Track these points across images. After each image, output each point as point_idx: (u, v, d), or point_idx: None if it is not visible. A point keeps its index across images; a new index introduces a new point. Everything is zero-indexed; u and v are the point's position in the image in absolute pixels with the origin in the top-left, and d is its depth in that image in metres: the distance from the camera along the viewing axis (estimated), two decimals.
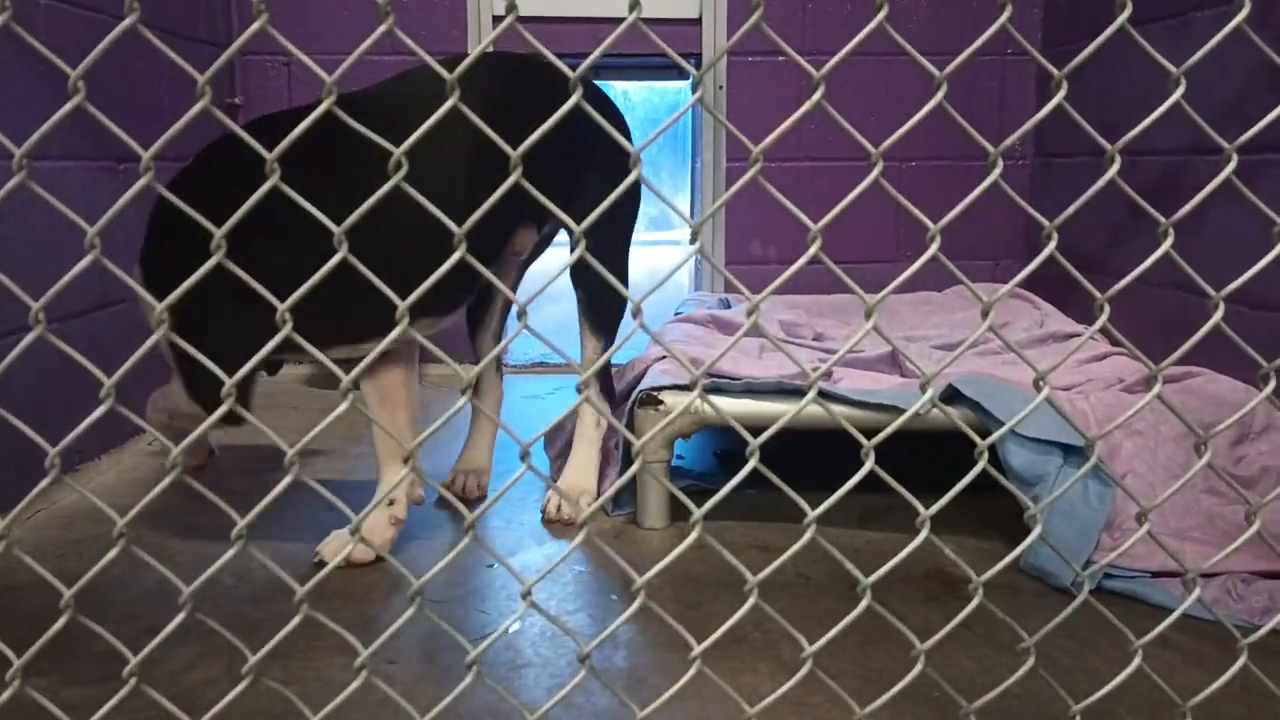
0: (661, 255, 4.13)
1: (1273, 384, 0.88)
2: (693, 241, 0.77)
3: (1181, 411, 0.92)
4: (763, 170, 0.78)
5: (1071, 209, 0.82)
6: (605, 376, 2.05)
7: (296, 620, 0.82)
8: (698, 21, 3.07)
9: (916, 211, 0.86)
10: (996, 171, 0.82)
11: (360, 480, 2.14)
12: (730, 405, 1.87)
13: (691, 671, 0.87)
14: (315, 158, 1.42)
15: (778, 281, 0.83)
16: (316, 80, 2.93)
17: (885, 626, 1.47)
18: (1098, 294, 0.84)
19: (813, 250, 0.79)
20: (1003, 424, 1.67)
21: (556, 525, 1.92)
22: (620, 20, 1.07)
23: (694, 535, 0.83)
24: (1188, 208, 0.86)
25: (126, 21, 0.69)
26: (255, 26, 0.70)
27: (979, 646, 1.44)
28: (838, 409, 1.81)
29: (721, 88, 3.13)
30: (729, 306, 2.77)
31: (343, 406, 0.77)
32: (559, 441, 2.24)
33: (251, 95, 3.03)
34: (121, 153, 2.26)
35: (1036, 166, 3.14)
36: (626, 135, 2.00)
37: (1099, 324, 0.86)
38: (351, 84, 1.69)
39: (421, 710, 0.89)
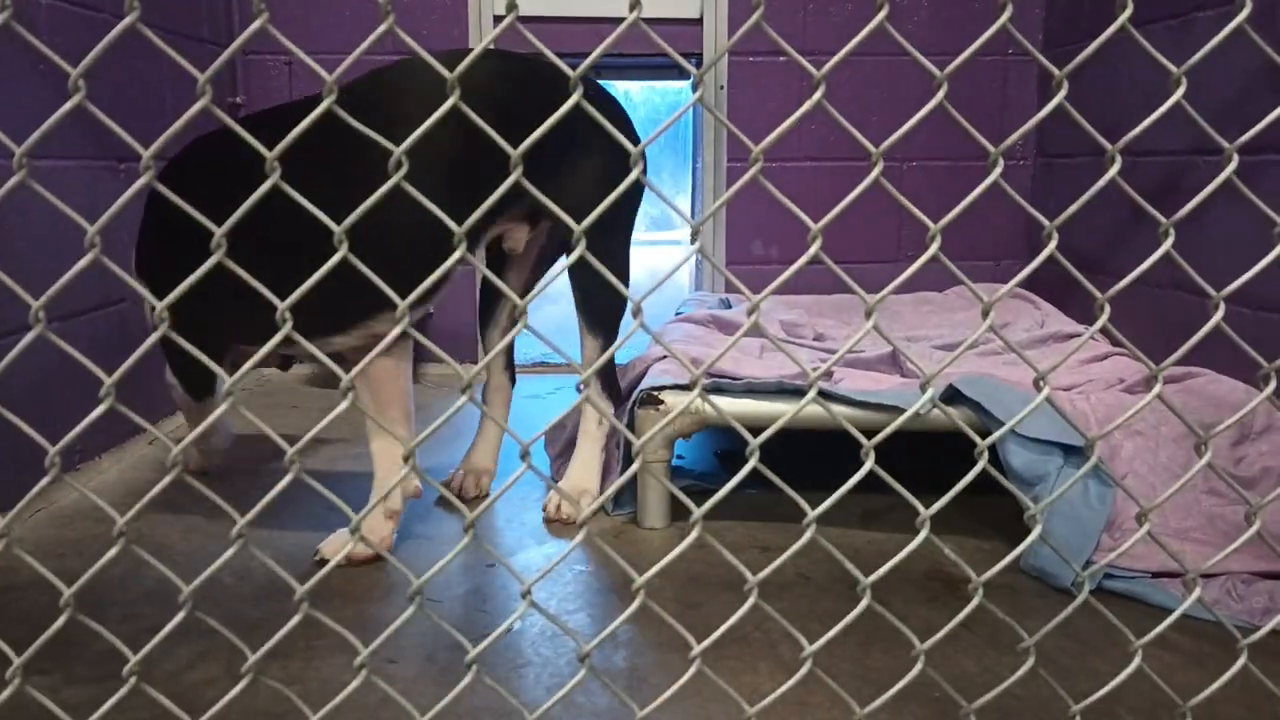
0: (662, 255, 4.13)
1: (1273, 384, 0.88)
2: (693, 241, 0.77)
3: (1182, 412, 0.92)
4: (763, 170, 0.78)
5: (1072, 209, 0.82)
6: (609, 375, 2.03)
7: (296, 619, 0.82)
8: (699, 21, 3.07)
9: (917, 211, 0.86)
10: (997, 171, 0.82)
11: (361, 479, 2.14)
12: (731, 405, 1.87)
13: (691, 671, 0.87)
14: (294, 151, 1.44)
15: (778, 281, 0.83)
16: (318, 79, 2.93)
17: (885, 626, 1.47)
18: (1098, 294, 0.84)
19: (813, 250, 0.79)
20: (1003, 424, 1.67)
21: (557, 525, 1.93)
22: (621, 20, 1.07)
23: (694, 535, 0.83)
24: (1188, 208, 0.86)
25: (127, 20, 0.69)
26: (256, 25, 0.70)
27: (979, 647, 1.44)
28: (838, 409, 1.82)
29: (722, 88, 3.13)
30: (729, 306, 2.77)
31: (343, 405, 0.77)
32: (560, 441, 2.24)
33: (253, 94, 3.03)
34: (122, 152, 2.26)
35: (1037, 166, 3.14)
36: (632, 135, 1.99)
37: (1099, 324, 0.86)
38: None
39: (421, 710, 0.89)
